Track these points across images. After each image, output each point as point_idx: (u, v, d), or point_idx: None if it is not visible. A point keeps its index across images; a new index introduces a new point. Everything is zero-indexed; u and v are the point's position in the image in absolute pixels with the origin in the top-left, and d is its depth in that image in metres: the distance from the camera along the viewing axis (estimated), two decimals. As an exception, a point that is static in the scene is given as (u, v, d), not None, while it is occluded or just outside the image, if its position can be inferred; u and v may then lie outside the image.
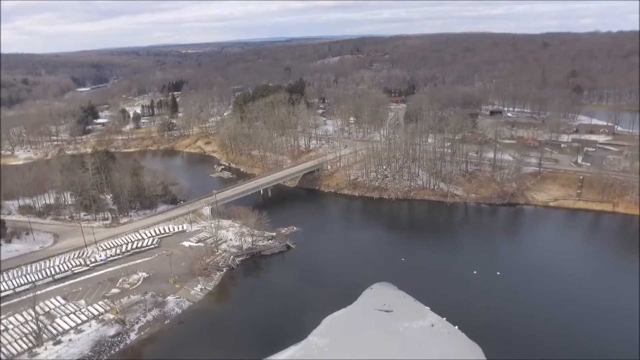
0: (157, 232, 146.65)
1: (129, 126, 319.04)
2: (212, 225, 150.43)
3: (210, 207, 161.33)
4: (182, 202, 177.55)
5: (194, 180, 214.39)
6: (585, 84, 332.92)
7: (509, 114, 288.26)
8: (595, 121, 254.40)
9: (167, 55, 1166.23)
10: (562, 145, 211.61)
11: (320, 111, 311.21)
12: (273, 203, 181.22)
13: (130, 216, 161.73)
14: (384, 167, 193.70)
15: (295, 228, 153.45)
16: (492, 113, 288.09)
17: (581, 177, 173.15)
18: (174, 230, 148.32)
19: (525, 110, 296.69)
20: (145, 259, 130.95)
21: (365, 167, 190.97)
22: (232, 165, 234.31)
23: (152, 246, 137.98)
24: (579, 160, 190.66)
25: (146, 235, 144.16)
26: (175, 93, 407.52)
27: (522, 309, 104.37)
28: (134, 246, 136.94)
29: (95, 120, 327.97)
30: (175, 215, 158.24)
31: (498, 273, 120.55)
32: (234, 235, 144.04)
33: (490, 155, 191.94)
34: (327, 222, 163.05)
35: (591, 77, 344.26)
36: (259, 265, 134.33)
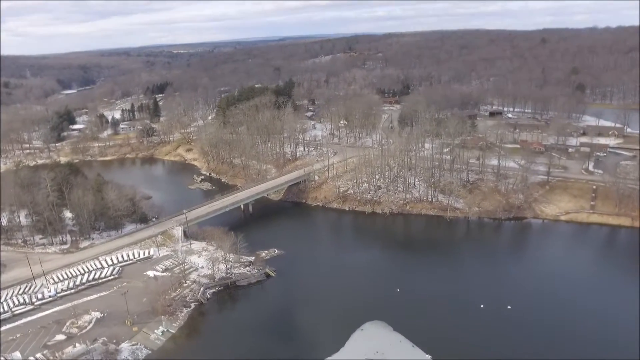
0: (120, 259, 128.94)
1: (107, 132, 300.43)
2: (182, 250, 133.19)
3: (182, 227, 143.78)
4: (154, 219, 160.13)
5: (171, 194, 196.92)
6: (587, 82, 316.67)
7: (510, 115, 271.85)
8: (602, 122, 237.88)
9: (158, 55, 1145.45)
10: (570, 150, 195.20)
11: (310, 114, 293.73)
12: (254, 219, 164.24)
13: (93, 239, 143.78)
14: (377, 176, 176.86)
15: (276, 251, 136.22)
16: (492, 114, 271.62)
17: (594, 187, 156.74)
18: (138, 256, 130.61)
19: (526, 111, 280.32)
20: (102, 294, 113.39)
21: (356, 177, 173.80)
22: (213, 175, 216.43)
23: (112, 277, 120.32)
24: (590, 167, 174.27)
25: (106, 263, 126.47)
26: (159, 96, 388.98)
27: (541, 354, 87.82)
28: (91, 277, 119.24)
29: (71, 126, 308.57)
30: (142, 237, 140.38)
31: (509, 307, 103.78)
32: (207, 262, 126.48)
33: (493, 162, 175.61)
34: (313, 243, 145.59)
35: (593, 75, 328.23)
36: (233, 298, 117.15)
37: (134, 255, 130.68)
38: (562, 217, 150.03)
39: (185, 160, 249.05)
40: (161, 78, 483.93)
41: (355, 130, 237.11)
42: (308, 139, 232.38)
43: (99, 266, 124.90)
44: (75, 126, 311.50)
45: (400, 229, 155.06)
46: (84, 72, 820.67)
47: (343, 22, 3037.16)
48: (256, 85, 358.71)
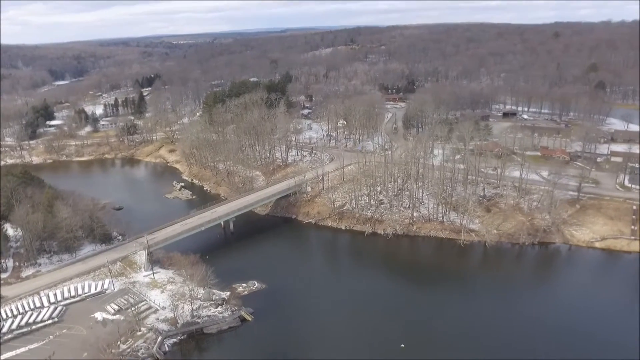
0: (66, 294, 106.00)
1: (87, 129, 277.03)
2: (143, 282, 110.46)
3: (146, 251, 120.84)
4: (119, 238, 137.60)
5: (145, 203, 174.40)
6: (607, 80, 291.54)
7: (525, 116, 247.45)
8: (632, 127, 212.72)
9: (157, 46, 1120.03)
10: (599, 160, 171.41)
11: (306, 111, 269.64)
12: (235, 239, 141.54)
13: (39, 265, 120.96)
14: (379, 189, 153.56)
15: (256, 284, 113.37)
16: (505, 115, 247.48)
17: (634, 207, 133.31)
18: (89, 290, 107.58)
19: (543, 111, 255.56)
20: (33, 346, 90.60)
21: (355, 190, 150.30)
22: (195, 181, 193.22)
23: (51, 321, 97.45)
24: (626, 182, 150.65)
25: (48, 300, 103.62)
26: (147, 89, 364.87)
27: None
28: (24, 322, 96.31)
29: (48, 122, 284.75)
30: (98, 265, 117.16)
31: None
32: (170, 299, 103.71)
33: (513, 173, 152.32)
34: (302, 272, 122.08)
35: (614, 72, 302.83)
36: (199, 349, 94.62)
37: (83, 289, 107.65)
38: (597, 244, 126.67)
39: (167, 162, 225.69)
40: (152, 70, 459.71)
41: (355, 131, 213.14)
42: (302, 140, 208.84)
43: (38, 305, 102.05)
44: (53, 122, 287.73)
45: (405, 256, 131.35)
46: (77, 63, 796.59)
47: (345, 14, 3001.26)
48: (251, 79, 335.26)
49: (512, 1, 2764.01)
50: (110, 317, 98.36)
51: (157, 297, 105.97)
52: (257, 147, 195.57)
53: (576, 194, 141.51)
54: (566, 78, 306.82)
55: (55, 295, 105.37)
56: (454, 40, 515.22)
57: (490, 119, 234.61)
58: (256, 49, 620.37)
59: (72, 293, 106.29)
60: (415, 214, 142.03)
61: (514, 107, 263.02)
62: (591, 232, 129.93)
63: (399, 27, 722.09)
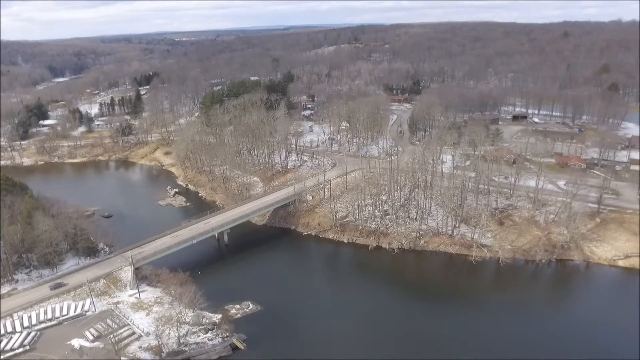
0: (42, 317, 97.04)
1: (81, 129, 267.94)
2: (127, 303, 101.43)
3: (132, 267, 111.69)
4: (106, 249, 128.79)
5: (136, 210, 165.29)
6: (620, 81, 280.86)
7: (536, 119, 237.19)
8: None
9: (159, 43, 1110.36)
10: (617, 168, 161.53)
11: (308, 112, 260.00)
12: (230, 253, 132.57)
13: (16, 282, 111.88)
14: (384, 198, 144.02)
15: (250, 305, 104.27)
16: (515, 118, 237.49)
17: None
18: (67, 312, 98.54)
19: (554, 114, 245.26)
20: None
21: (358, 199, 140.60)
22: (190, 186, 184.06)
23: (22, 348, 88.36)
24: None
25: (21, 324, 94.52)
26: (145, 88, 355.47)
27: None
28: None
29: (41, 122, 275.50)
30: (79, 282, 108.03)
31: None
32: (155, 323, 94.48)
33: (527, 182, 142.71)
34: (299, 292, 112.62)
35: (627, 73, 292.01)
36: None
37: (61, 311, 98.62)
38: (620, 262, 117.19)
39: (162, 165, 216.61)
40: (151, 68, 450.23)
41: (358, 134, 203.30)
42: (303, 144, 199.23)
43: (10, 329, 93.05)
44: (47, 122, 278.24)
45: (413, 273, 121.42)
46: (78, 59, 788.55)
47: (350, 11, 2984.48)
48: (251, 78, 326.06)
49: (517, 0, 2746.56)
50: (88, 344, 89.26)
51: (142, 321, 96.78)
52: (256, 151, 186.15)
53: (595, 206, 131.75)
54: (577, 79, 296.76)
55: (29, 318, 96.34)
56: (460, 39, 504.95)
57: (499, 122, 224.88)
58: (258, 47, 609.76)
59: (49, 315, 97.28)
60: (422, 226, 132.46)
61: (523, 110, 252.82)
62: (613, 248, 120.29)
63: (403, 26, 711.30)
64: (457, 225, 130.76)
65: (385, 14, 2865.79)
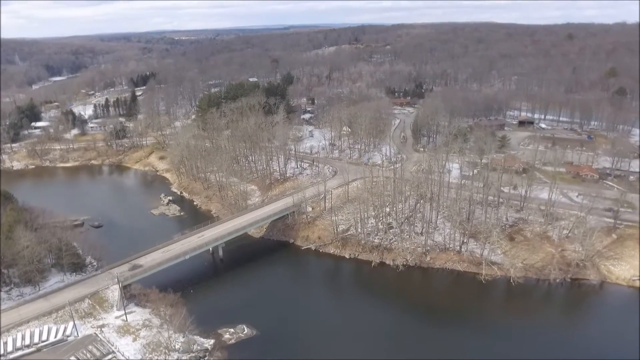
0: (19, 343, 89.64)
1: (74, 132, 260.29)
2: (113, 326, 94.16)
3: (120, 285, 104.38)
4: (94, 264, 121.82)
5: (128, 220, 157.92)
6: (628, 86, 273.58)
7: (543, 125, 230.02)
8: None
9: (158, 42, 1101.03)
10: (632, 179, 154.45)
11: (308, 116, 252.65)
12: (225, 268, 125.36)
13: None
14: (387, 209, 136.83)
15: (245, 330, 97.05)
16: (522, 123, 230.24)
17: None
18: (47, 338, 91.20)
19: (561, 119, 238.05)
20: (-31, 416, 74.30)
21: (361, 211, 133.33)
22: (185, 194, 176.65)
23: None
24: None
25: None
26: (141, 89, 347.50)
27: None
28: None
29: (33, 124, 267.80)
30: (62, 302, 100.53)
31: None
32: (143, 350, 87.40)
33: (537, 194, 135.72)
34: (298, 313, 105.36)
35: (635, 78, 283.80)
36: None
37: (40, 336, 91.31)
38: (638, 283, 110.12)
39: (157, 171, 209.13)
40: (148, 67, 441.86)
41: (360, 140, 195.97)
42: (302, 150, 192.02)
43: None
44: (39, 124, 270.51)
45: (419, 293, 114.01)
46: (75, 58, 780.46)
47: (349, 11, 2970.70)
48: (250, 79, 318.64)
49: (517, 1, 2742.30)
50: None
51: (128, 347, 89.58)
52: (253, 158, 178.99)
53: (611, 220, 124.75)
54: (583, 83, 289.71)
55: (5, 344, 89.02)
56: (462, 40, 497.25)
57: (505, 128, 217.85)
58: (257, 47, 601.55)
59: (27, 341, 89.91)
60: (428, 241, 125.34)
61: (529, 115, 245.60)
62: (632, 267, 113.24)
63: (404, 26, 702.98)
64: (465, 241, 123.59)
65: (384, 14, 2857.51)
